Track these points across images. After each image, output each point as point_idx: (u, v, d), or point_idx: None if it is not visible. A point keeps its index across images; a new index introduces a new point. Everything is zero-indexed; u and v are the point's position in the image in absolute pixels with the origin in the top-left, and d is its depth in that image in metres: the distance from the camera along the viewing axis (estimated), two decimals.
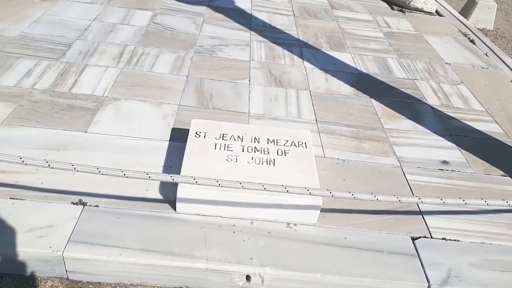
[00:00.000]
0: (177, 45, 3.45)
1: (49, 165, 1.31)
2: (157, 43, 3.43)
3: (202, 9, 4.23)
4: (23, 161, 1.29)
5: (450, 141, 2.76)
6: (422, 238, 1.99)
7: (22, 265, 1.70)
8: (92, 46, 3.24)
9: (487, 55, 4.10)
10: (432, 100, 3.21)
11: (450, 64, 3.83)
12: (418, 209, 2.15)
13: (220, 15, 4.15)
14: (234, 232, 1.88)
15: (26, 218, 1.80)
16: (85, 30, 3.45)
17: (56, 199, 1.91)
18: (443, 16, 5.02)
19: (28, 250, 1.68)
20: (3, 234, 1.72)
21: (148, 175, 1.39)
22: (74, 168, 1.35)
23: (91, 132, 2.37)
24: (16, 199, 1.89)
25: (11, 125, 2.32)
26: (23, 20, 3.43)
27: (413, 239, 1.98)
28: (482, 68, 3.85)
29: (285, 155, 2.15)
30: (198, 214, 1.95)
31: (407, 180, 2.36)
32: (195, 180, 1.42)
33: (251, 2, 4.62)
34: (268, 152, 2.15)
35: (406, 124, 2.88)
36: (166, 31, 3.67)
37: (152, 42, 3.44)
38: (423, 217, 2.11)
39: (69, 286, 1.73)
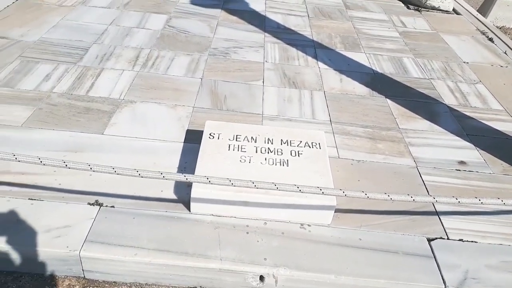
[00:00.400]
0: (192, 48, 3.48)
1: (66, 165, 1.34)
2: (172, 46, 3.47)
3: (217, 11, 4.26)
4: (41, 162, 1.33)
5: (467, 141, 2.71)
6: (438, 239, 1.96)
7: (40, 264, 1.74)
8: (109, 50, 3.29)
9: (506, 54, 4.02)
10: (449, 100, 3.16)
11: (467, 63, 3.76)
12: (434, 210, 2.12)
13: (234, 18, 4.17)
14: (247, 233, 1.89)
15: (44, 219, 1.84)
16: (102, 34, 3.52)
17: (73, 200, 1.95)
18: (461, 14, 4.93)
19: (46, 249, 1.72)
20: (22, 234, 1.77)
21: (163, 175, 1.41)
22: (91, 168, 1.38)
23: (107, 134, 2.41)
24: (35, 199, 1.93)
25: (30, 128, 2.38)
26: (42, 25, 3.52)
27: (429, 240, 1.95)
28: (501, 66, 3.77)
29: (298, 156, 2.15)
30: (212, 215, 1.96)
31: (423, 181, 2.32)
32: (208, 180, 1.43)
33: (265, 4, 4.63)
34: (282, 153, 2.15)
35: (422, 124, 2.84)
36: (181, 34, 3.70)
37: (167, 45, 3.48)
38: (439, 218, 2.07)
39: (85, 285, 1.76)
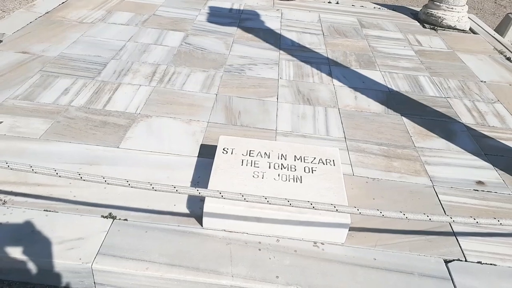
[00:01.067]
0: (208, 65, 3.52)
1: (81, 177, 1.36)
2: (188, 63, 3.52)
3: (233, 29, 4.32)
4: (57, 174, 1.34)
5: (485, 161, 2.65)
6: (455, 261, 1.90)
7: (53, 275, 1.75)
8: (126, 66, 3.35)
9: None
10: (466, 119, 3.12)
11: (485, 82, 3.72)
12: (452, 230, 2.07)
13: (250, 35, 4.22)
14: (259, 250, 1.86)
15: (58, 230, 1.85)
16: (120, 50, 3.59)
17: (87, 212, 1.97)
18: (478, 34, 4.90)
19: (59, 261, 1.73)
20: (36, 245, 1.78)
21: (176, 189, 1.41)
22: (105, 181, 1.39)
23: (123, 147, 2.43)
24: (50, 211, 1.95)
25: (48, 140, 2.42)
26: (63, 41, 3.61)
27: (446, 261, 1.89)
28: None
29: (312, 172, 2.13)
30: (224, 230, 1.95)
31: (439, 201, 2.28)
32: (221, 194, 1.42)
33: (281, 22, 4.68)
34: (295, 169, 2.13)
35: (439, 143, 2.80)
36: (197, 51, 3.76)
37: (184, 62, 3.53)
38: (456, 239, 2.02)
39: None
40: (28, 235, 1.82)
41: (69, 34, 3.75)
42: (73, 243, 1.80)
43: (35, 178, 2.11)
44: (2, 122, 2.52)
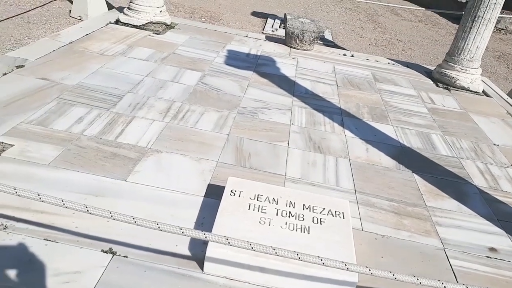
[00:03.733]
0: (222, 105, 3.56)
1: (88, 210, 1.32)
2: (203, 102, 3.56)
3: (249, 73, 4.40)
4: (64, 204, 1.31)
5: (498, 227, 2.58)
6: None
7: None
8: (142, 100, 3.39)
9: None
10: (479, 181, 3.07)
11: (498, 145, 3.70)
12: None
13: (265, 80, 4.29)
14: None
15: (56, 261, 1.80)
16: (137, 84, 3.65)
17: (87, 245, 1.91)
18: (491, 97, 4.94)
19: None
20: (32, 274, 1.72)
21: (182, 231, 1.37)
22: (111, 216, 1.35)
23: (130, 181, 2.41)
24: (50, 240, 1.90)
25: (56, 167, 2.40)
26: (82, 71, 3.69)
27: None
28: None
29: (320, 223, 2.07)
30: (226, 277, 1.87)
31: (450, 265, 2.19)
32: (228, 241, 1.37)
33: (296, 70, 4.77)
34: (303, 219, 2.08)
35: (451, 203, 2.74)
36: (213, 91, 3.81)
37: (199, 101, 3.57)
38: None
39: None
40: (25, 264, 1.76)
41: (89, 65, 3.83)
42: (69, 277, 1.73)
43: (39, 205, 2.07)
44: (13, 145, 2.52)
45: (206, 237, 1.38)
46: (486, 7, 4.63)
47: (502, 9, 4.93)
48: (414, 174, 3.01)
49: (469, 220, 2.60)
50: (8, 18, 5.20)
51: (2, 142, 2.53)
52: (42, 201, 1.32)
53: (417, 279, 1.32)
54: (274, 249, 1.36)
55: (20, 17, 5.30)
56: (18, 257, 1.79)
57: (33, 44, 4.17)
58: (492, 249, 2.36)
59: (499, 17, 9.00)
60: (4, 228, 1.92)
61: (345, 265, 1.33)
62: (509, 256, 2.33)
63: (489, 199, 2.86)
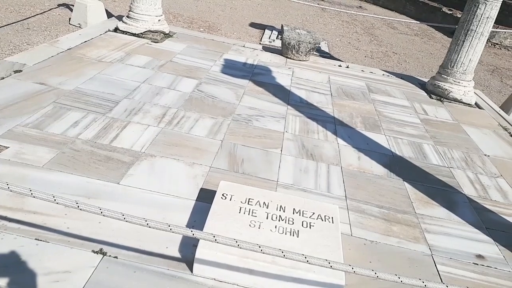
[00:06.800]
0: (217, 112, 3.60)
1: (78, 206, 1.35)
2: (198, 108, 3.60)
3: (245, 82, 4.45)
4: (55, 200, 1.34)
5: (486, 235, 2.61)
6: None
7: None
8: (138, 105, 3.44)
9: None
10: (469, 190, 3.11)
11: (488, 156, 3.75)
12: None
13: (261, 89, 4.34)
14: None
15: (47, 261, 1.82)
16: (134, 91, 3.70)
17: (78, 245, 1.93)
18: (483, 109, 5.01)
19: None
20: (22, 274, 1.74)
21: (170, 227, 1.39)
22: (101, 213, 1.38)
23: (123, 184, 2.44)
24: (41, 240, 1.92)
25: (50, 170, 2.43)
26: (80, 76, 3.74)
27: None
28: None
29: (310, 227, 2.10)
30: (214, 279, 1.89)
31: (437, 271, 2.22)
32: (215, 238, 1.40)
33: (291, 79, 4.83)
34: (293, 223, 2.11)
35: (440, 211, 2.78)
36: (208, 98, 3.86)
37: (194, 107, 3.61)
38: None
39: None
40: (16, 263, 1.78)
41: (86, 71, 3.88)
42: (59, 276, 1.75)
43: (31, 205, 2.10)
44: (8, 147, 2.55)
45: (193, 234, 1.41)
46: (479, 21, 4.73)
47: (496, 24, 5.02)
48: (405, 182, 3.05)
49: (457, 228, 2.63)
50: (8, 24, 5.26)
51: None
52: (34, 197, 1.34)
53: (398, 278, 1.35)
54: (259, 247, 1.38)
55: (20, 24, 5.36)
56: (8, 256, 1.81)
57: (32, 50, 4.22)
58: (479, 256, 2.39)
59: (493, 31, 9.14)
60: None
61: (329, 263, 1.36)
62: (496, 263, 2.36)
63: (478, 208, 2.90)
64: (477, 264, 2.33)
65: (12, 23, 5.31)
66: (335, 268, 1.37)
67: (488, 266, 2.33)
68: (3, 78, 3.41)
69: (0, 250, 1.84)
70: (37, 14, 5.84)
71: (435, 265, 2.26)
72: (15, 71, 3.57)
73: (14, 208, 2.07)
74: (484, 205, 2.95)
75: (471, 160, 3.61)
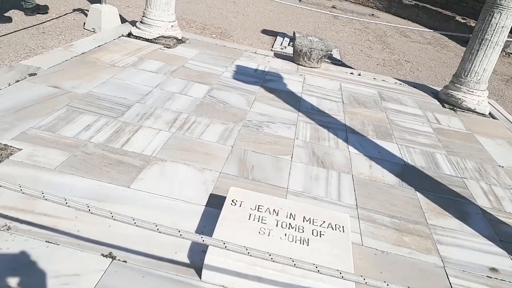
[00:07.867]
0: (228, 118, 3.60)
1: (89, 209, 1.35)
2: (209, 114, 3.61)
3: (256, 88, 4.45)
4: (66, 203, 1.35)
5: (500, 248, 2.56)
6: None
7: None
8: (150, 110, 3.45)
9: None
10: (482, 202, 3.05)
11: (503, 167, 3.68)
12: None
13: (272, 95, 4.34)
14: None
15: (56, 263, 1.82)
16: (146, 95, 3.72)
17: (88, 249, 1.94)
18: (497, 119, 4.94)
19: None
20: (31, 276, 1.74)
21: (180, 233, 1.39)
22: (112, 217, 1.38)
23: (133, 188, 2.44)
24: (51, 243, 1.93)
25: (62, 172, 2.45)
26: (93, 80, 3.77)
27: None
28: None
29: (320, 236, 2.08)
30: (223, 286, 1.88)
31: (450, 283, 2.17)
32: (225, 245, 1.39)
33: (303, 86, 4.82)
34: (303, 231, 2.09)
35: (453, 222, 2.73)
36: (219, 104, 3.86)
37: (205, 113, 3.62)
38: None
39: None
40: (25, 265, 1.79)
41: (100, 75, 3.92)
42: (68, 279, 1.76)
43: (42, 207, 2.11)
44: (21, 149, 2.58)
45: (203, 240, 1.40)
46: (494, 30, 4.68)
47: (511, 33, 4.96)
48: (417, 192, 3.01)
49: (470, 240, 2.58)
50: (24, 28, 5.35)
51: (11, 146, 2.58)
52: (46, 199, 1.35)
53: None
54: (270, 255, 1.37)
55: (35, 28, 5.45)
56: (18, 258, 1.82)
57: (46, 54, 4.28)
58: (493, 269, 2.34)
59: (508, 41, 9.02)
60: (7, 229, 1.96)
61: (340, 273, 1.33)
62: (510, 276, 2.31)
63: (492, 220, 2.84)
64: (490, 278, 2.28)
65: (28, 27, 5.40)
66: (347, 278, 1.35)
67: (502, 280, 2.27)
68: (18, 81, 3.46)
69: (10, 251, 1.85)
70: (53, 19, 5.93)
71: (448, 277, 2.21)
72: (30, 74, 3.62)
73: (25, 210, 2.09)
74: (498, 217, 2.89)
75: (485, 170, 3.55)
